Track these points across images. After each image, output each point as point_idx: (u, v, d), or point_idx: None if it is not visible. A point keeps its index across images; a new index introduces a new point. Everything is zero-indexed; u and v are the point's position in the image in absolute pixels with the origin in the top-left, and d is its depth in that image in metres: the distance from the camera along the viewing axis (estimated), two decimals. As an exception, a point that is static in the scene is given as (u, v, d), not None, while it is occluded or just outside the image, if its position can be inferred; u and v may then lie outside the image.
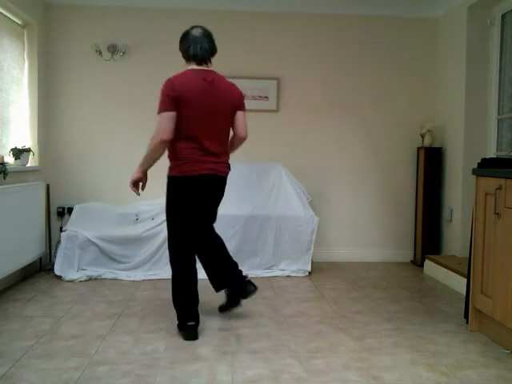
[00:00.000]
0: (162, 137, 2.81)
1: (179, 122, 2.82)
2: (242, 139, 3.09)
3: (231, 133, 3.09)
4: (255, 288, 3.18)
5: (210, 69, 2.97)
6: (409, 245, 5.10)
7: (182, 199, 2.97)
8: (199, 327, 2.94)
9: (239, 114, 3.02)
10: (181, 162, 2.93)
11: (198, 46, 2.91)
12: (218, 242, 3.21)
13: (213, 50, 2.98)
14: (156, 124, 2.82)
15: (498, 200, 2.78)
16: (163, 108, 2.79)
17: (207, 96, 2.87)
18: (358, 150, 5.04)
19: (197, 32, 2.94)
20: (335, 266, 4.79)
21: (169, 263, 4.52)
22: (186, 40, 2.96)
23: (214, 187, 3.01)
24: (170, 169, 3.02)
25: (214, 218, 3.21)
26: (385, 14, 4.93)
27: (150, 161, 2.99)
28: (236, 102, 3.00)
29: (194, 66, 2.93)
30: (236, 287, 3.18)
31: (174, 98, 2.78)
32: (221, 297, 3.72)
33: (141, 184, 3.13)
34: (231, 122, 3.03)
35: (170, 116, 2.79)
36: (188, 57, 2.94)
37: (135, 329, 3.02)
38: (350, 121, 5.01)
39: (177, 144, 2.90)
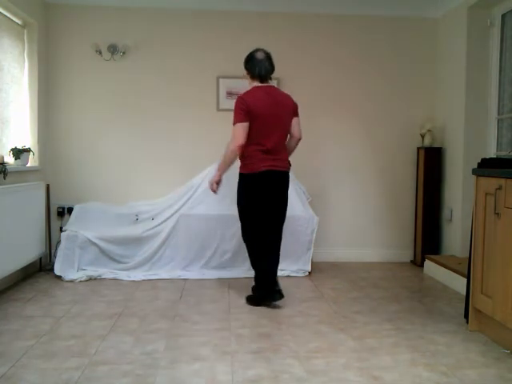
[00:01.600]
0: (238, 143, 3.41)
1: (250, 131, 3.44)
2: (298, 140, 3.66)
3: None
4: (281, 297, 3.49)
5: (271, 84, 3.60)
6: (409, 245, 5.10)
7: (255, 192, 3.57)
8: None
9: (295, 119, 3.60)
10: (248, 162, 3.50)
11: (262, 68, 3.53)
12: (274, 240, 3.60)
13: (273, 69, 3.59)
14: (232, 133, 3.45)
15: (498, 200, 2.78)
16: (238, 119, 3.43)
17: (270, 107, 3.46)
18: (358, 150, 5.04)
19: (261, 55, 3.56)
20: (335, 266, 4.79)
21: (169, 263, 4.57)
22: (251, 62, 3.56)
23: (273, 181, 3.53)
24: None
25: (278, 212, 3.61)
26: (385, 14, 4.94)
27: (228, 164, 3.57)
28: (292, 110, 3.58)
29: (258, 83, 3.54)
30: (265, 290, 3.52)
31: (246, 111, 3.41)
32: (221, 297, 3.72)
33: (218, 185, 3.66)
34: (290, 126, 3.60)
35: (244, 126, 3.42)
36: (253, 76, 3.55)
37: (135, 329, 3.02)
38: (349, 121, 5.01)
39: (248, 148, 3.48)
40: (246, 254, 4.34)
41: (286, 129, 3.58)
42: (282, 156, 3.55)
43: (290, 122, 3.58)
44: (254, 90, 3.52)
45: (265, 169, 3.45)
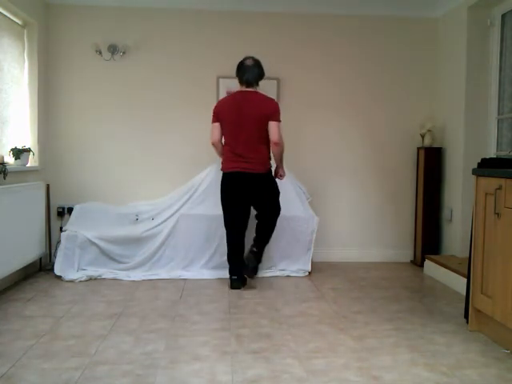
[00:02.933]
0: (211, 140, 3.98)
1: (223, 133, 3.95)
2: (274, 144, 3.83)
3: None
4: (251, 274, 3.96)
5: (253, 90, 3.87)
6: (409, 245, 5.10)
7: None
8: None
9: (271, 124, 3.78)
10: (222, 161, 3.98)
11: (245, 74, 3.84)
12: (262, 223, 4.01)
13: (260, 75, 3.89)
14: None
15: (498, 200, 2.78)
16: (211, 120, 3.94)
17: (233, 113, 3.80)
18: (358, 149, 5.04)
19: (249, 62, 3.86)
20: (335, 266, 4.79)
21: (168, 263, 4.57)
22: (240, 69, 3.88)
23: (241, 181, 3.86)
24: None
25: (258, 208, 4.01)
26: (385, 14, 4.94)
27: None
28: (261, 115, 3.76)
29: (244, 89, 3.87)
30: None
31: (215, 114, 3.89)
32: (221, 297, 3.72)
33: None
34: (263, 130, 3.81)
35: (214, 126, 3.92)
36: (240, 82, 3.89)
37: (135, 329, 3.02)
38: (350, 121, 5.01)
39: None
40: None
41: (253, 133, 3.78)
42: (254, 159, 3.80)
43: (260, 126, 3.78)
44: (230, 96, 3.97)
45: (232, 170, 3.83)
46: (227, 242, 4.01)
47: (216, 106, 3.95)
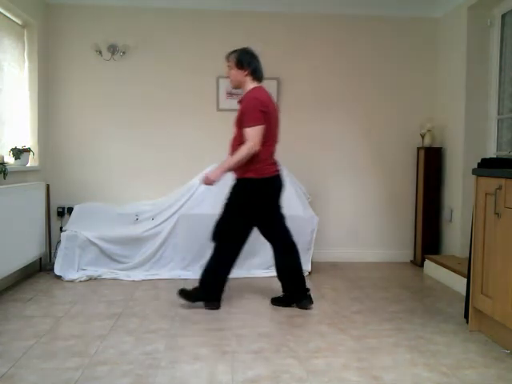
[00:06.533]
0: (256, 147, 3.23)
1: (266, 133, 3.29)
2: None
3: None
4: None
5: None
6: (409, 245, 5.10)
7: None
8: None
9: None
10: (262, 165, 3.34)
11: (262, 67, 3.42)
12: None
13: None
14: (251, 136, 3.22)
15: (498, 200, 2.78)
16: (258, 122, 3.22)
17: (275, 110, 3.42)
18: (358, 149, 5.04)
19: (255, 53, 3.41)
20: (335, 266, 4.79)
21: (168, 263, 4.57)
22: (255, 60, 3.39)
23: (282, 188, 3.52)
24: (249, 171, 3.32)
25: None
26: (385, 14, 4.94)
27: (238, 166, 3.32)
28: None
29: (257, 84, 3.39)
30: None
31: (264, 113, 3.25)
32: (222, 296, 3.71)
33: None
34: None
35: (261, 129, 3.24)
36: (257, 76, 3.39)
37: (135, 329, 3.02)
38: (350, 121, 5.01)
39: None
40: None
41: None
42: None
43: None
44: (264, 90, 3.44)
45: (276, 173, 3.47)
46: (231, 257, 3.42)
47: (263, 103, 3.26)
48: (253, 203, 3.35)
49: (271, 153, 3.40)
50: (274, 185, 3.42)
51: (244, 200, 3.35)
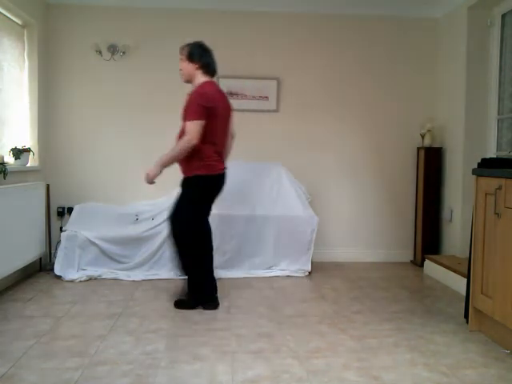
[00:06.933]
0: (193, 141, 3.19)
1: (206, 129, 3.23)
2: (232, 137, 3.57)
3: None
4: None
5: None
6: (409, 245, 5.10)
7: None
8: None
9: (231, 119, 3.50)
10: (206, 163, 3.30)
11: (214, 62, 3.38)
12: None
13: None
14: (189, 130, 3.19)
15: (498, 200, 2.78)
16: (197, 117, 3.18)
17: (224, 106, 3.37)
18: (358, 149, 5.04)
19: (209, 48, 3.36)
20: (335, 266, 4.79)
21: (168, 263, 4.56)
22: (207, 54, 3.36)
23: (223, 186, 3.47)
24: (195, 168, 3.31)
25: None
26: (385, 14, 4.93)
27: (175, 161, 3.36)
28: (231, 110, 3.47)
29: (208, 79, 3.35)
30: None
31: (208, 109, 3.20)
32: (221, 297, 3.72)
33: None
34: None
35: (201, 124, 3.19)
36: (208, 71, 3.36)
37: (135, 329, 3.02)
38: (349, 121, 5.01)
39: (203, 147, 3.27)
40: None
41: (226, 131, 3.45)
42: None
43: (228, 123, 3.48)
44: (214, 85, 3.42)
45: (222, 171, 3.46)
46: (199, 253, 3.40)
47: (208, 98, 3.22)
48: (204, 198, 3.41)
49: (217, 150, 3.34)
50: (221, 182, 3.42)
51: (198, 196, 3.38)
